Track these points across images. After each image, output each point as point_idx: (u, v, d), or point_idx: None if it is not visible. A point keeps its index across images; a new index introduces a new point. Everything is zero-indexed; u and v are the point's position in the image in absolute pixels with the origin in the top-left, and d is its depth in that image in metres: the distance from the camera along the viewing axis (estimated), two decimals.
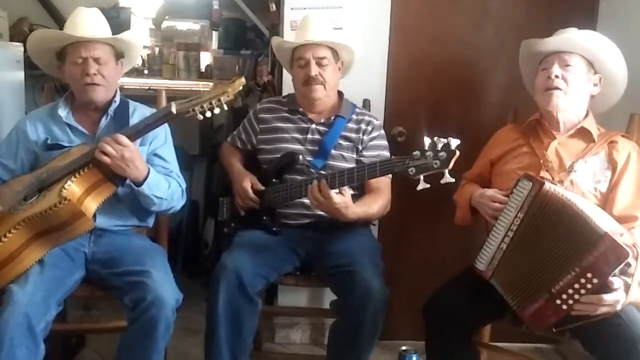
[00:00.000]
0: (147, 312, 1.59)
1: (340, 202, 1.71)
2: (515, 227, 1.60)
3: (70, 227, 1.64)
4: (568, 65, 1.74)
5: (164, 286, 1.64)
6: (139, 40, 1.94)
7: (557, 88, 1.74)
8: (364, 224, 2.02)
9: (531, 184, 1.59)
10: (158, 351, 1.63)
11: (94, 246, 1.81)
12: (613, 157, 1.73)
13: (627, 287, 1.47)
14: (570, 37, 1.77)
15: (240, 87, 1.62)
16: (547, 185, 1.56)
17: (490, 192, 1.75)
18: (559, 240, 1.51)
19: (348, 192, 1.75)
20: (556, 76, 1.74)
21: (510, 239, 1.60)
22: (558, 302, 1.50)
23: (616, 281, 1.46)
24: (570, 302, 1.48)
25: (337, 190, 1.71)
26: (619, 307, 1.48)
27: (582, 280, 1.46)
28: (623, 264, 1.44)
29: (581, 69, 1.75)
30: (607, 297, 1.46)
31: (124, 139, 1.63)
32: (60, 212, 1.59)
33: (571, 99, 1.76)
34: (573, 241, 1.49)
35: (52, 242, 1.67)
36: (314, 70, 1.93)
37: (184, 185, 1.90)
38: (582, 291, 1.47)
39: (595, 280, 1.45)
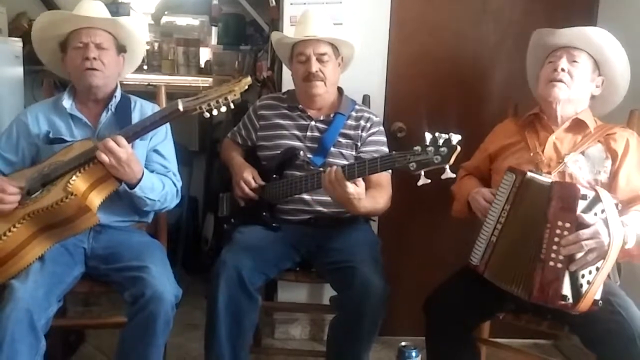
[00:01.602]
0: (146, 308, 1.59)
1: (354, 193, 1.68)
2: (503, 219, 1.64)
3: (75, 222, 1.64)
4: (575, 62, 1.75)
5: (163, 282, 1.64)
6: (139, 30, 1.93)
7: (561, 80, 1.74)
8: (364, 219, 2.03)
9: (514, 175, 1.63)
10: (157, 346, 1.63)
11: (94, 242, 1.81)
12: (612, 147, 1.73)
13: (605, 223, 1.49)
14: (583, 31, 1.77)
15: (247, 86, 1.62)
16: (529, 175, 1.60)
17: (483, 190, 1.78)
18: (532, 218, 1.57)
19: (362, 183, 1.73)
20: (562, 69, 1.75)
21: (500, 231, 1.64)
22: (551, 263, 1.52)
23: (587, 217, 1.50)
24: (560, 257, 1.51)
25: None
26: (605, 240, 1.48)
27: (558, 231, 1.51)
28: (580, 198, 1.50)
29: (587, 67, 1.76)
30: (585, 231, 1.49)
31: (123, 140, 1.63)
32: (66, 207, 1.59)
33: (573, 94, 1.76)
34: (537, 208, 1.55)
35: (56, 237, 1.67)
36: (315, 66, 1.93)
37: (179, 185, 1.90)
38: (563, 240, 1.50)
39: (567, 224, 1.51)
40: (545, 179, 1.62)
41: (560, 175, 1.72)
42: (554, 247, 1.51)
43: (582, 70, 1.75)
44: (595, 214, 1.51)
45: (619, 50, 1.77)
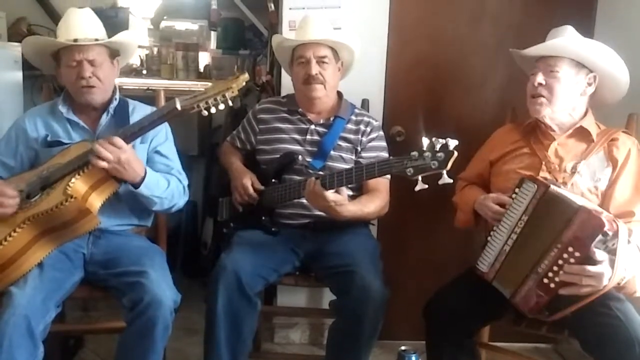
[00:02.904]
0: (145, 313, 1.59)
1: (334, 200, 1.71)
2: (519, 229, 1.61)
3: (76, 225, 1.63)
4: (553, 71, 1.74)
5: (162, 287, 1.64)
6: (133, 40, 1.93)
7: (540, 95, 1.75)
8: (363, 223, 2.03)
9: (536, 186, 1.60)
10: (156, 352, 1.63)
11: (93, 247, 1.80)
12: (613, 155, 1.73)
13: (612, 263, 1.48)
14: (552, 44, 1.77)
15: (244, 83, 1.61)
16: (552, 188, 1.57)
17: (492, 195, 1.76)
18: (548, 230, 1.55)
19: (345, 191, 1.75)
20: (539, 84, 1.75)
21: (514, 241, 1.61)
22: (545, 280, 1.52)
23: (598, 253, 1.47)
24: (557, 279, 1.51)
25: (334, 190, 1.71)
26: (605, 282, 1.47)
27: (565, 255, 1.50)
28: (600, 234, 1.47)
29: (568, 72, 1.74)
30: (590, 268, 1.47)
31: (119, 141, 1.62)
32: (66, 211, 1.59)
33: (558, 105, 1.76)
34: (554, 223, 1.53)
35: (57, 240, 1.67)
36: (315, 69, 1.93)
37: (185, 182, 1.89)
38: (566, 266, 1.49)
39: (577, 254, 1.48)
40: (573, 197, 1.57)
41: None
42: (555, 268, 1.51)
43: (563, 78, 1.73)
44: (607, 247, 1.49)
45: (595, 45, 1.75)
